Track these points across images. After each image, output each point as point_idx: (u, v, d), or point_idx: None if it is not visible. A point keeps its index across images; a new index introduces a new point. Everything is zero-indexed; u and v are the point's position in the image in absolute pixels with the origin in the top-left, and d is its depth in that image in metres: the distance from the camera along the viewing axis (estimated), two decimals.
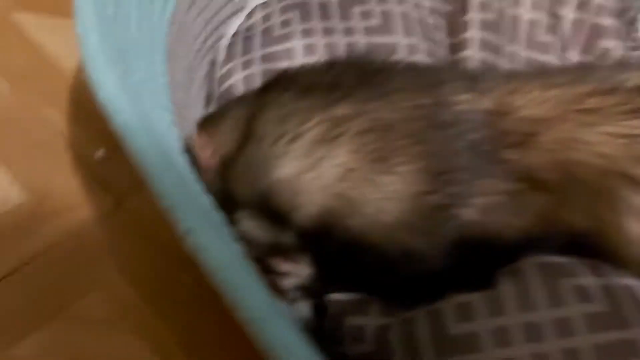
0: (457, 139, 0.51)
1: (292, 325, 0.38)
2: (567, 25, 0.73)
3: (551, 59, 0.71)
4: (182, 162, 0.47)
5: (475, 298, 0.48)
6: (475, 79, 0.53)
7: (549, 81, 0.52)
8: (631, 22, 0.76)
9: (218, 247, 0.36)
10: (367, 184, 0.49)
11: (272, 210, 0.51)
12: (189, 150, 0.54)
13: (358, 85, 0.52)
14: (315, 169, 0.50)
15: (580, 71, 0.54)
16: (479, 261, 0.51)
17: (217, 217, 0.44)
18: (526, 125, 0.50)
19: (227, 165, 0.52)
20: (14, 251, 0.60)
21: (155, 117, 0.46)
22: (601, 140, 0.49)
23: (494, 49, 0.69)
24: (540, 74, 0.55)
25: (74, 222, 0.63)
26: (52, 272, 0.60)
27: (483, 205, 0.50)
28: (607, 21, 0.72)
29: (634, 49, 0.75)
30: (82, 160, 0.66)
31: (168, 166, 0.40)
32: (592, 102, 0.50)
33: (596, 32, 0.72)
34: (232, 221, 0.51)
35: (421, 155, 0.50)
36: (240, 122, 0.53)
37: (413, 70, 0.56)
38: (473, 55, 0.67)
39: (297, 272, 0.56)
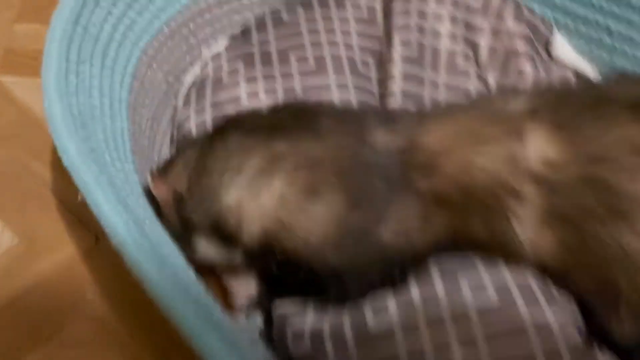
0: (375, 173, 0.59)
1: (228, 338, 0.47)
2: (483, 52, 0.81)
3: (471, 84, 0.79)
4: (139, 204, 0.56)
5: (388, 297, 0.58)
6: (391, 121, 0.62)
7: (446, 116, 0.61)
8: (544, 44, 0.86)
9: (159, 276, 0.46)
10: (299, 211, 0.58)
11: (222, 233, 0.59)
12: (149, 190, 0.63)
13: (294, 127, 0.60)
14: (255, 198, 0.58)
15: (474, 103, 0.63)
16: (396, 270, 0.60)
17: (168, 249, 0.54)
18: (430, 157, 0.58)
19: (181, 198, 0.60)
20: (8, 287, 0.68)
21: (114, 171, 0.56)
22: (490, 162, 0.57)
23: (417, 81, 0.77)
24: (441, 111, 0.63)
25: (60, 259, 0.71)
26: (43, 303, 0.68)
27: (398, 226, 0.58)
28: (520, 45, 0.81)
29: (547, 69, 0.84)
30: (64, 205, 0.75)
31: (122, 214, 0.49)
32: (481, 130, 0.58)
33: (510, 56, 0.81)
34: (187, 247, 0.60)
35: (344, 188, 0.58)
36: (192, 161, 0.61)
37: (341, 114, 0.64)
38: (397, 88, 0.76)
39: (247, 290, 0.65)
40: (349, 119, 0.63)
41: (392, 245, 0.59)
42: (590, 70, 0.83)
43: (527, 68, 0.81)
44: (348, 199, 0.58)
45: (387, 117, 0.64)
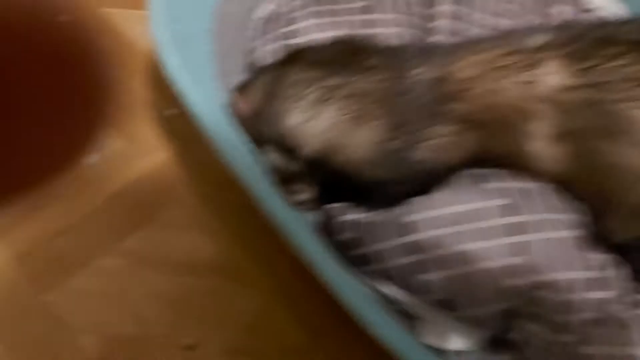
0: (411, 101, 0.69)
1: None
2: None
3: (514, 23, 0.87)
4: (224, 117, 0.71)
5: (418, 199, 0.70)
6: (427, 54, 0.72)
7: (476, 49, 0.70)
8: None
9: (252, 176, 0.63)
10: (346, 134, 0.70)
11: (285, 147, 0.72)
12: (230, 105, 0.77)
13: (346, 62, 0.72)
14: (312, 121, 0.70)
15: (499, 38, 0.71)
16: (429, 182, 0.71)
17: (250, 156, 0.68)
18: (461, 84, 0.68)
19: (256, 114, 0.73)
20: (116, 180, 0.84)
21: (207, 86, 0.70)
22: (510, 87, 0.67)
23: (464, 19, 0.86)
24: (472, 45, 0.72)
25: (156, 160, 0.86)
26: (143, 193, 0.83)
27: (432, 146, 0.69)
28: None
29: (585, 11, 0.92)
30: (159, 116, 0.90)
31: (217, 123, 0.64)
32: (505, 61, 0.68)
33: (553, 2, 0.90)
34: (261, 153, 0.73)
35: (384, 114, 0.69)
36: (265, 85, 0.73)
37: (385, 50, 0.75)
38: (446, 27, 0.85)
39: (305, 190, 0.78)
40: (391, 55, 0.74)
41: (427, 162, 0.70)
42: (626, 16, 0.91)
43: (565, 10, 0.89)
44: (388, 125, 0.69)
45: (423, 50, 0.74)
